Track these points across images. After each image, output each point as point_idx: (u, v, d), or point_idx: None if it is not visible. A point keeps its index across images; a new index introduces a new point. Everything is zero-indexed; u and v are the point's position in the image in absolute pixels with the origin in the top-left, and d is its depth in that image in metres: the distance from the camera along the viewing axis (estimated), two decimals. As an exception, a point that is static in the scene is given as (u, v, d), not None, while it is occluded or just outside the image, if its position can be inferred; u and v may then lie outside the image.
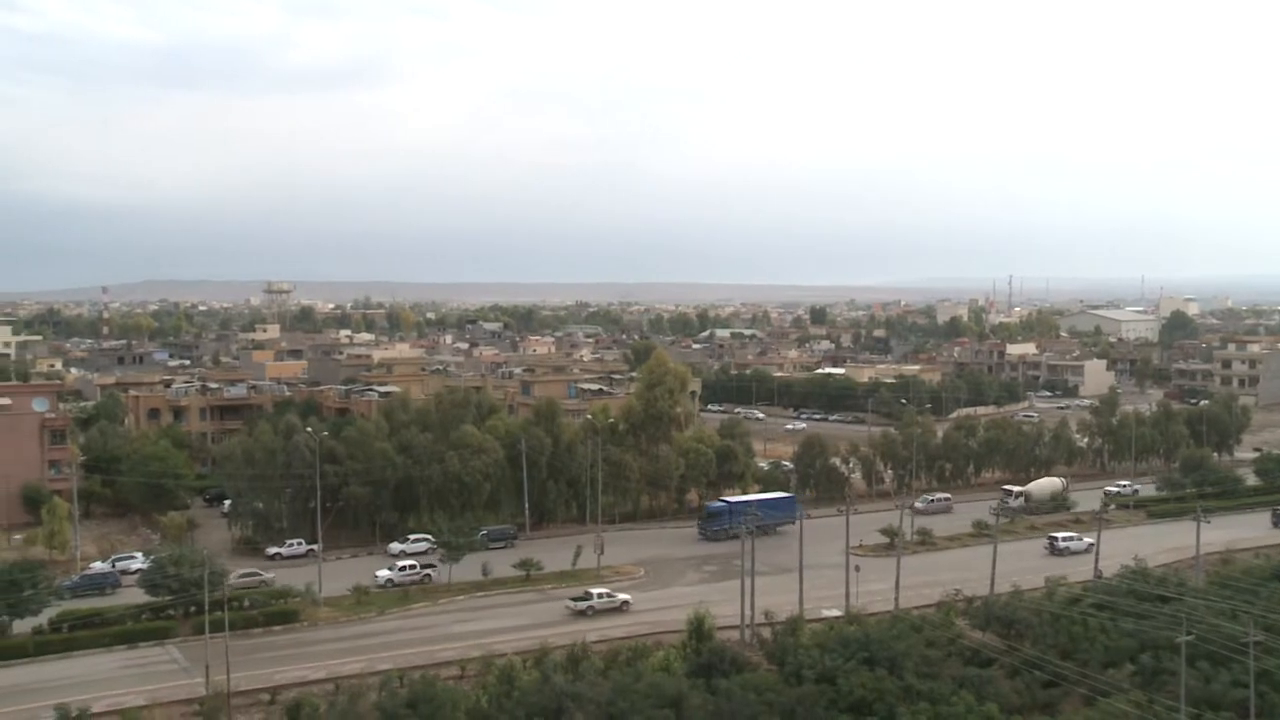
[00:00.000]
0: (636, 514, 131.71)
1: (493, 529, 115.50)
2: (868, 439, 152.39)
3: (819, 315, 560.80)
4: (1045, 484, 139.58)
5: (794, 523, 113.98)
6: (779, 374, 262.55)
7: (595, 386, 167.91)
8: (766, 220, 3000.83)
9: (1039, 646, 72.05)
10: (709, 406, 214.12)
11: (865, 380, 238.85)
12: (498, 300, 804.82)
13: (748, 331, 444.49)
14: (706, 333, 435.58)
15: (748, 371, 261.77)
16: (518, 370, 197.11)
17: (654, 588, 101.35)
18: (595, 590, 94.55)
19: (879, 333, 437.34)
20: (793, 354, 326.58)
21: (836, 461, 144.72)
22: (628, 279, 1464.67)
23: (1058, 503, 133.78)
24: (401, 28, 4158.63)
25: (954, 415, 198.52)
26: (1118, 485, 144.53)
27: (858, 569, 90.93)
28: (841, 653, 66.68)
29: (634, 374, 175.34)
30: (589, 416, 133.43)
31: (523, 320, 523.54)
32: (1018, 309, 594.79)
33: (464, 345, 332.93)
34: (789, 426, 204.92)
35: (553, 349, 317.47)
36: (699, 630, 74.97)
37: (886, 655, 65.83)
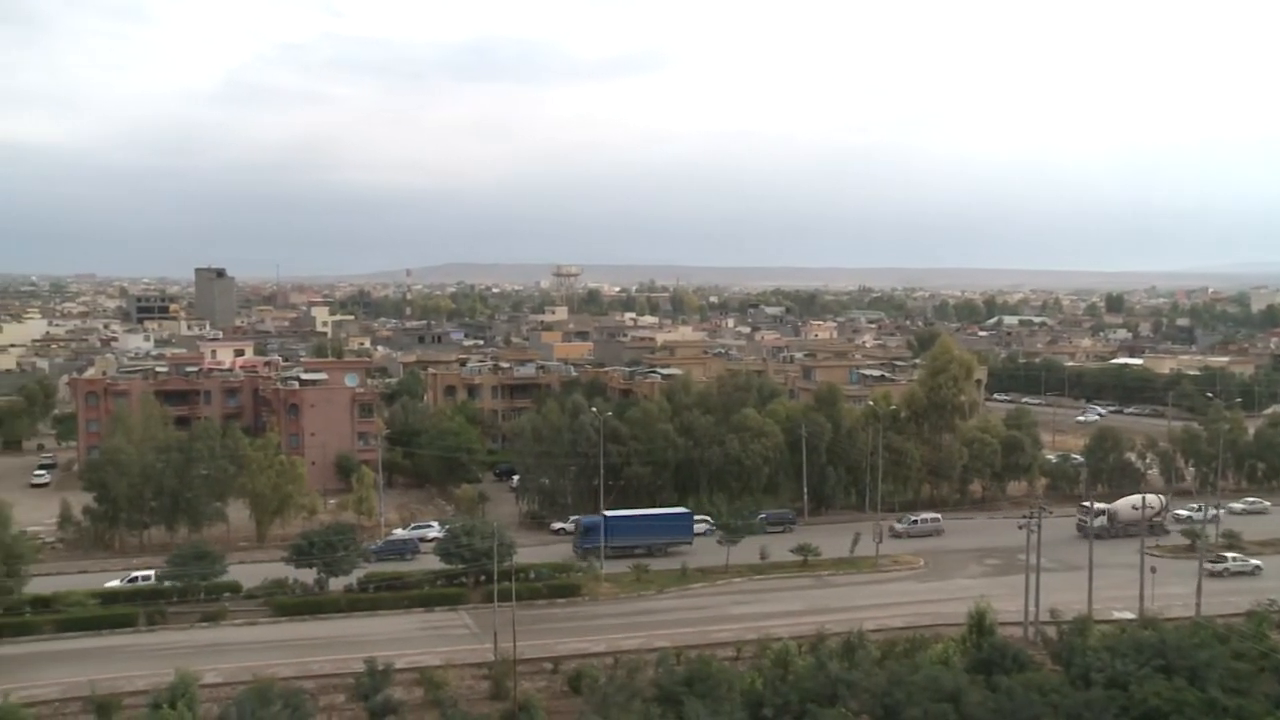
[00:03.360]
0: (917, 503, 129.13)
1: (771, 513, 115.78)
2: (1167, 434, 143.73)
3: (1115, 302, 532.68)
4: (1136, 503, 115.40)
5: (689, 543, 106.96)
6: (1070, 363, 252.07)
7: (877, 372, 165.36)
8: (1061, 202, 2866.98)
9: (1375, 670, 65.50)
10: (995, 396, 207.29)
11: (1166, 371, 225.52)
12: (780, 284, 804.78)
13: (1037, 319, 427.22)
14: (994, 320, 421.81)
15: (1037, 360, 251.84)
16: (799, 355, 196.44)
17: (933, 579, 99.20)
18: (1230, 555, 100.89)
19: (1182, 322, 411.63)
20: (1086, 343, 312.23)
21: (1132, 456, 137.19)
22: (913, 264, 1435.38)
23: (1153, 524, 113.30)
24: (689, 13, 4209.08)
25: (1269, 411, 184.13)
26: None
27: (1153, 570, 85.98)
28: (1134, 658, 63.02)
29: (917, 361, 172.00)
30: (870, 403, 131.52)
31: (805, 305, 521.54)
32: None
33: (746, 329, 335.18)
34: (1080, 418, 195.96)
35: (834, 334, 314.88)
36: (980, 624, 72.73)
37: (1186, 664, 61.71)
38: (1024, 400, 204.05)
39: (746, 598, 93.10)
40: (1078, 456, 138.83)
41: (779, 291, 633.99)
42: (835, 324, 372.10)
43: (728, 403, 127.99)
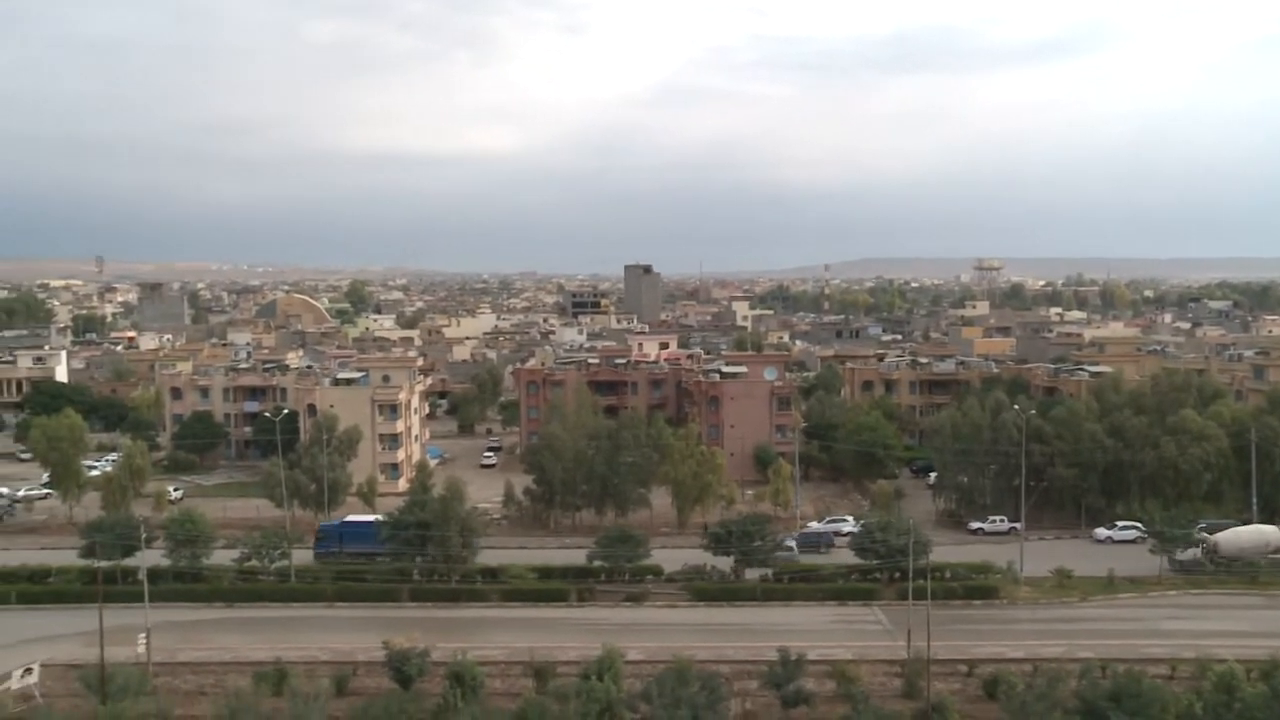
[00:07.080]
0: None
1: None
2: None
3: None
4: (1247, 534, 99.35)
5: None
6: None
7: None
8: None
9: None
10: None
11: None
12: (1225, 277, 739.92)
13: None
14: None
15: None
16: (1248, 353, 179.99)
17: None
18: None
19: None
20: None
21: None
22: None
23: (1271, 563, 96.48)
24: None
25: None
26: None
27: None
28: None
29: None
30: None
31: (1256, 299, 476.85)
32: None
33: (1185, 325, 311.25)
34: None
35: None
36: None
37: None
38: None
39: (1182, 612, 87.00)
40: None
41: (1225, 284, 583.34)
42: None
43: (1163, 403, 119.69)
